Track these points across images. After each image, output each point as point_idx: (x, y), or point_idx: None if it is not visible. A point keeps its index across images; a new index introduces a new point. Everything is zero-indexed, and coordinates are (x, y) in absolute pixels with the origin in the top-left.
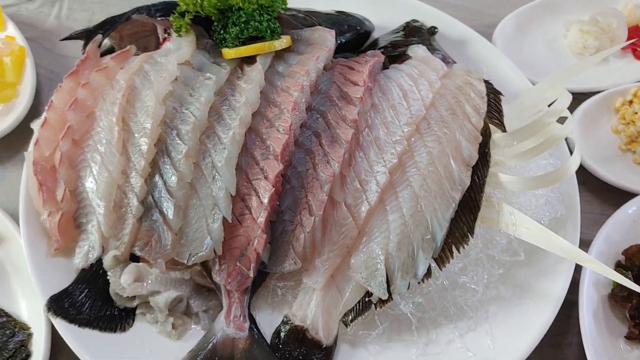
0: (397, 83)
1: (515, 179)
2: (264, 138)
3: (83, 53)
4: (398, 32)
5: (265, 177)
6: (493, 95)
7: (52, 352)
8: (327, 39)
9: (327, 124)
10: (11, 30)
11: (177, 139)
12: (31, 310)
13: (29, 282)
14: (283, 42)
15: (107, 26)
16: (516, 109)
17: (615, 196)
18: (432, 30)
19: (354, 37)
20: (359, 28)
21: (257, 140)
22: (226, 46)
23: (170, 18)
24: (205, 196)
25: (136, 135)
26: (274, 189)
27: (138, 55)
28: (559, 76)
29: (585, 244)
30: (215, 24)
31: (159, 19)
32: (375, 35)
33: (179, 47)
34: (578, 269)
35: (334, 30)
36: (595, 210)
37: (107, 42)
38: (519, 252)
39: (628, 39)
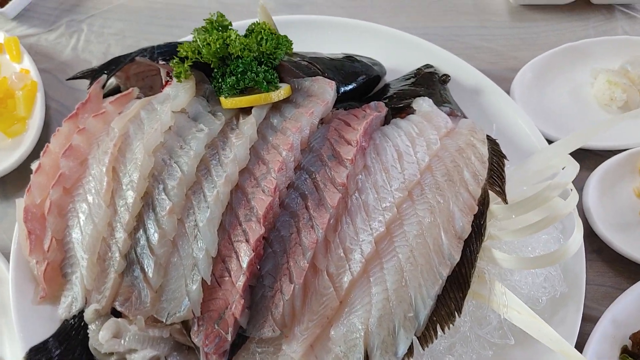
0: (394, 143)
1: (510, 258)
2: (249, 198)
3: (88, 92)
4: (409, 78)
5: (247, 240)
6: (497, 159)
7: None
8: (326, 91)
9: (315, 185)
10: (26, 63)
11: (162, 193)
12: (14, 354)
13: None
14: (281, 93)
15: (112, 66)
16: (522, 173)
17: (634, 269)
18: (444, 79)
19: (361, 84)
20: (366, 75)
21: (242, 199)
22: (223, 95)
23: (171, 63)
24: (186, 255)
25: (124, 187)
26: (254, 253)
27: (140, 97)
28: (573, 138)
29: (591, 321)
30: (215, 71)
31: (161, 62)
32: (388, 78)
33: (176, 95)
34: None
35: (334, 82)
36: (607, 283)
37: (113, 80)
38: (509, 335)
39: None
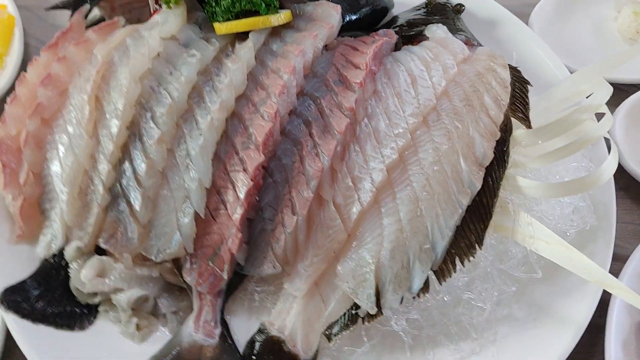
0: (406, 67)
1: (537, 184)
2: (246, 125)
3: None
4: (419, 9)
5: (244, 169)
6: (519, 85)
7: (7, 347)
8: (331, 14)
9: (320, 111)
10: None
11: (151, 122)
12: None
13: None
14: (281, 17)
15: None
16: (547, 101)
17: None
18: (458, 9)
19: (367, 14)
20: (372, 5)
21: (239, 127)
22: (217, 20)
23: None
24: (177, 187)
25: (107, 116)
26: (252, 183)
27: None
28: (601, 64)
29: (621, 260)
30: None
31: None
32: (396, 11)
33: (166, 21)
34: None
35: (339, 6)
36: (636, 221)
37: (98, 12)
38: (536, 268)
39: None
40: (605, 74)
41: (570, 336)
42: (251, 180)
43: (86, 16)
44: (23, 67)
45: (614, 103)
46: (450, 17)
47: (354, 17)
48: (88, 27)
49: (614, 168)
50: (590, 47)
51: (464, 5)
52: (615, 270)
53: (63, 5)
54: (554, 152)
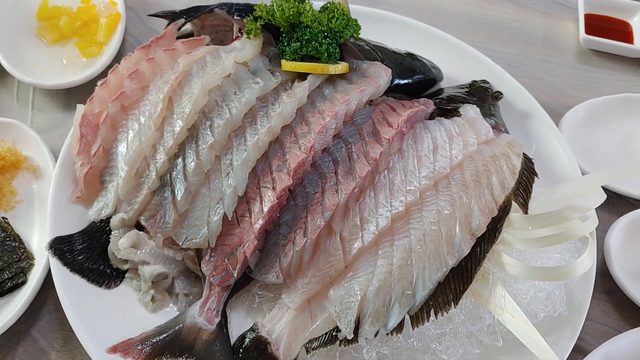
0: (432, 135)
1: (518, 263)
2: (285, 151)
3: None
4: (463, 88)
5: (273, 188)
6: (527, 175)
7: (44, 286)
8: (381, 75)
9: (349, 155)
10: None
11: (208, 129)
12: (41, 245)
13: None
14: (339, 67)
15: (192, 13)
16: (550, 195)
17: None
18: (497, 95)
19: (416, 82)
20: (423, 75)
21: (279, 151)
22: (285, 58)
23: (245, 20)
24: (215, 189)
25: (175, 116)
26: (277, 201)
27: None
28: (608, 174)
29: (583, 353)
30: (284, 35)
31: (236, 17)
32: (443, 84)
33: (243, 48)
34: None
35: (390, 70)
36: (610, 324)
37: (189, 27)
38: (498, 337)
39: None
40: (608, 183)
41: None
42: (276, 198)
43: (179, 28)
44: (117, 58)
45: (618, 213)
46: (488, 101)
47: (402, 82)
48: (179, 38)
49: (588, 265)
50: (613, 158)
51: (502, 94)
52: None
53: (163, 15)
54: (538, 239)
